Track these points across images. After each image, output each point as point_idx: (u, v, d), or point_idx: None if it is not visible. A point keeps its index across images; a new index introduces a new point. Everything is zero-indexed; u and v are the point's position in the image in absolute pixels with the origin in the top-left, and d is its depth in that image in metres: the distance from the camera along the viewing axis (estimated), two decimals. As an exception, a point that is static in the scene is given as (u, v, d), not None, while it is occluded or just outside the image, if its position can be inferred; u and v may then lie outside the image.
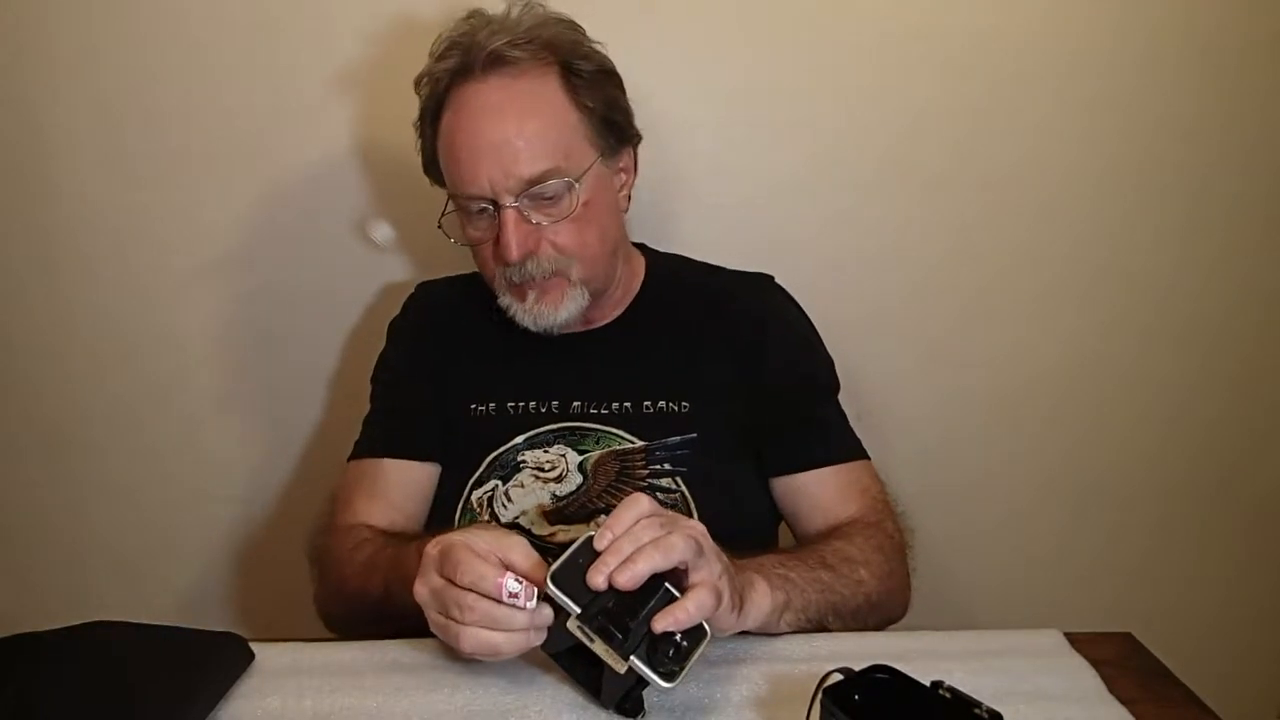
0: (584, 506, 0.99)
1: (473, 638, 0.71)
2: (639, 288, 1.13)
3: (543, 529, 0.99)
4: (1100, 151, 1.34)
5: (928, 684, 0.64)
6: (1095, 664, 0.81)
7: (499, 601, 0.69)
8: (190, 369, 1.38)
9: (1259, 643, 1.54)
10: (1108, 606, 1.48)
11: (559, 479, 1.00)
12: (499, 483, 1.01)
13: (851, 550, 0.93)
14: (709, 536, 0.75)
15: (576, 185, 0.97)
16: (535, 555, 0.72)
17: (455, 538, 0.73)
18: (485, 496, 1.01)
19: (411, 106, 1.34)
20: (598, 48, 1.03)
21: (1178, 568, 1.51)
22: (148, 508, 1.42)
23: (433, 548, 0.74)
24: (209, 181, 1.31)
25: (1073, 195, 1.36)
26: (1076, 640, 0.85)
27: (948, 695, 0.63)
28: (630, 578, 0.68)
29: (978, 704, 0.62)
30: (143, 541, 1.43)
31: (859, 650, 0.77)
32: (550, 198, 0.96)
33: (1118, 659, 0.83)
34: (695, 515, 0.99)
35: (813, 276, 1.20)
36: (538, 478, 1.01)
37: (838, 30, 1.29)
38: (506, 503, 1.00)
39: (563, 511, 1.00)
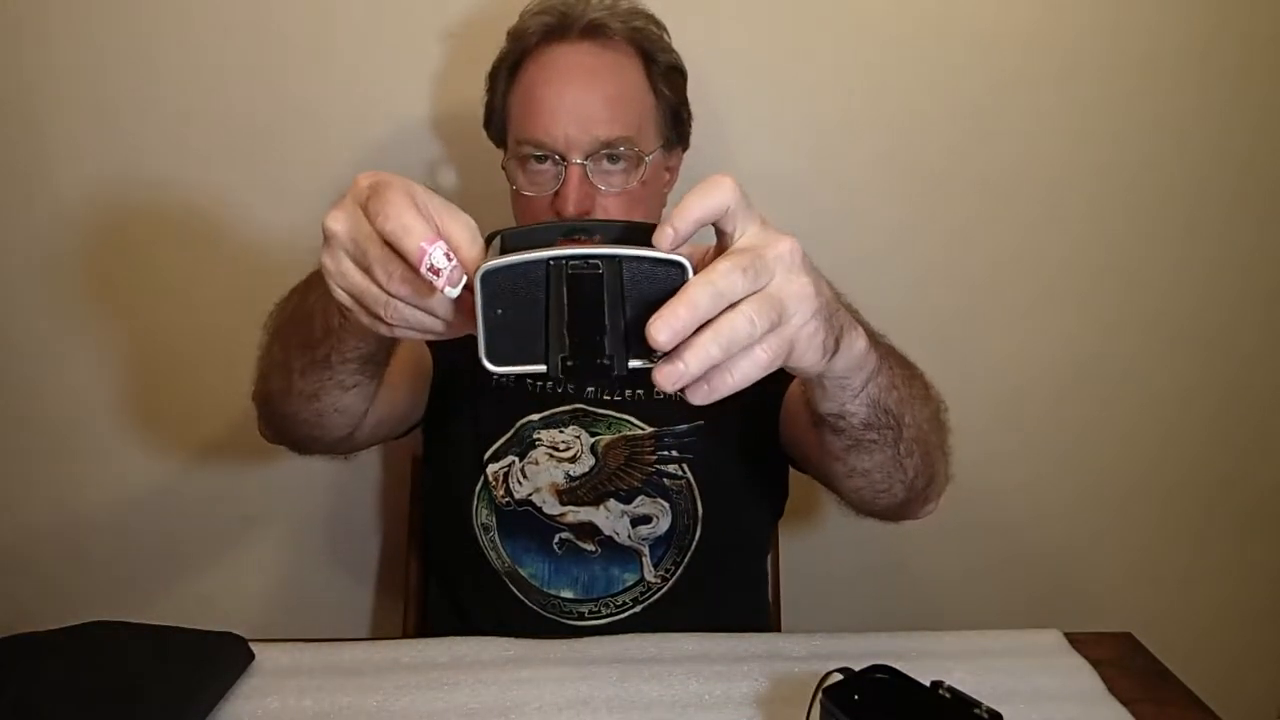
0: (595, 489, 1.02)
1: (400, 315, 0.57)
2: None
3: (554, 508, 1.01)
4: (1099, 151, 1.34)
5: (928, 684, 0.64)
6: (1095, 664, 0.81)
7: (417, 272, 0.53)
8: (190, 369, 1.38)
9: (1259, 643, 1.54)
10: (1108, 606, 1.49)
11: (573, 459, 1.02)
12: (515, 458, 1.03)
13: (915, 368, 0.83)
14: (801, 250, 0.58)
15: (646, 159, 1.00)
16: (480, 241, 0.56)
17: (396, 177, 0.57)
18: (501, 471, 1.03)
19: (415, 110, 1.34)
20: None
21: (1177, 568, 1.51)
22: (148, 507, 1.42)
23: (365, 177, 0.58)
24: (209, 181, 1.31)
25: (1072, 195, 1.36)
26: (1076, 640, 0.85)
27: (948, 695, 0.63)
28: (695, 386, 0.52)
29: (978, 704, 0.62)
30: (143, 541, 1.43)
31: (859, 650, 0.77)
32: (616, 164, 0.99)
33: (1118, 659, 0.83)
34: (699, 503, 1.01)
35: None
36: (552, 456, 1.02)
37: (836, 30, 1.29)
38: (522, 479, 1.03)
39: (575, 492, 1.02)
